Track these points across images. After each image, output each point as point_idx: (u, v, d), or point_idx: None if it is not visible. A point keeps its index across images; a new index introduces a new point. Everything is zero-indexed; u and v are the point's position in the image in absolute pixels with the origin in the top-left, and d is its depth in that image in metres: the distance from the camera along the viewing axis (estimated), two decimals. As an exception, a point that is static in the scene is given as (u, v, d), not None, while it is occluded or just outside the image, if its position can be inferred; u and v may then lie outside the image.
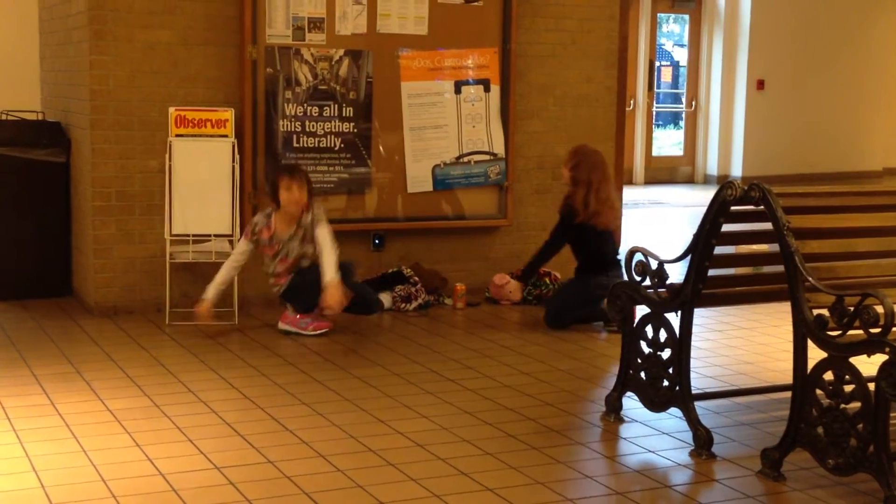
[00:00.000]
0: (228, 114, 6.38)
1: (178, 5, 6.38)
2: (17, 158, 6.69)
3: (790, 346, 3.94)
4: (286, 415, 4.61)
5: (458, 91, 7.02)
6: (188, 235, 6.30)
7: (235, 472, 3.94)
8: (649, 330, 4.50)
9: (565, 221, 6.34)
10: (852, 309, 3.63)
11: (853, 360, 3.70)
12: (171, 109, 6.32)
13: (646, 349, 4.53)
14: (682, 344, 4.35)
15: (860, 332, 3.63)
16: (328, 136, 6.70)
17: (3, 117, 6.92)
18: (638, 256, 4.47)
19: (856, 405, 3.67)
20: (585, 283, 6.32)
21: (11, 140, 6.71)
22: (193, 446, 4.21)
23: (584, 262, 6.41)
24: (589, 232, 6.29)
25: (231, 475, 3.91)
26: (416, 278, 6.77)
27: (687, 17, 15.38)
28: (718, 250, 4.24)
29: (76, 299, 6.79)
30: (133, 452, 4.13)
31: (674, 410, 4.46)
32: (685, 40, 15.56)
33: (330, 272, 5.83)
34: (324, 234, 5.92)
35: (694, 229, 4.26)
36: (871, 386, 3.60)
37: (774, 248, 3.98)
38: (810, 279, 3.79)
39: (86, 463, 4.01)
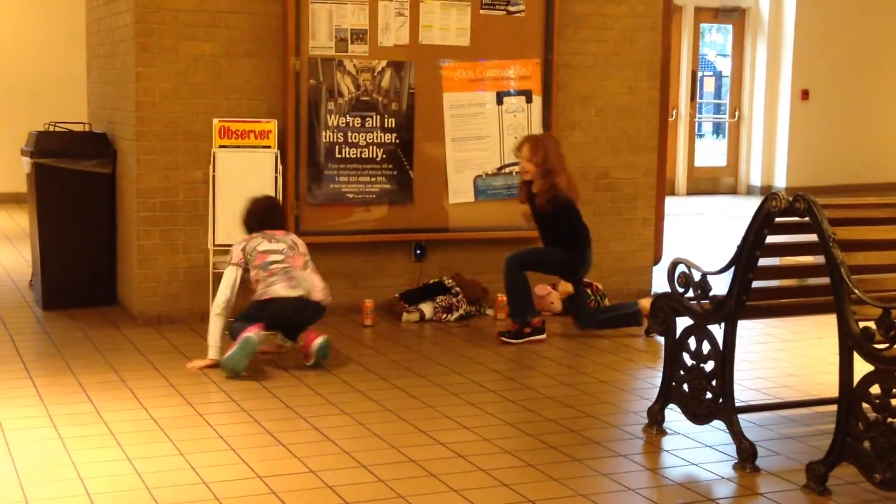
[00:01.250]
0: (271, 125, 6.43)
1: (222, 18, 6.44)
2: (64, 169, 6.77)
3: (835, 359, 3.90)
4: (328, 424, 4.63)
5: (499, 102, 7.02)
6: (231, 245, 6.33)
7: (278, 482, 3.96)
8: (692, 342, 4.47)
9: (573, 208, 6.24)
10: (899, 321, 3.58)
11: (900, 373, 3.66)
12: (215, 121, 6.37)
13: (689, 361, 4.50)
14: (725, 356, 4.31)
15: (907, 345, 3.58)
16: (370, 147, 6.72)
17: (51, 129, 7.02)
18: (681, 268, 4.44)
19: (903, 419, 3.63)
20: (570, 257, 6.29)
21: (58, 151, 6.80)
22: (236, 455, 4.23)
23: (568, 242, 6.27)
24: (578, 211, 6.31)
25: (273, 484, 3.93)
26: (458, 289, 6.77)
27: (730, 27, 15.29)
28: (763, 262, 4.20)
29: (121, 308, 6.87)
30: (177, 461, 4.16)
31: (717, 423, 4.42)
32: (728, 50, 15.47)
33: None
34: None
35: (737, 241, 4.22)
36: (919, 400, 3.56)
37: (820, 259, 3.94)
38: (856, 291, 3.75)
39: (130, 471, 4.05)
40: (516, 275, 6.22)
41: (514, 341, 6.12)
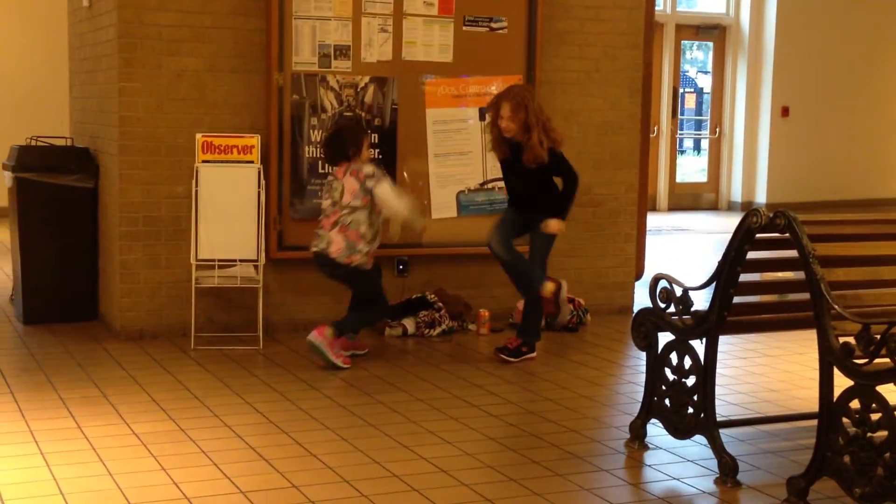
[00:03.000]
0: (254, 140, 6.43)
1: (205, 33, 6.45)
2: (46, 184, 6.76)
3: (816, 374, 3.93)
4: (311, 439, 4.63)
5: (482, 118, 7.04)
6: (214, 260, 6.34)
7: (260, 497, 3.95)
8: (674, 357, 4.49)
9: (562, 157, 6.06)
10: (879, 337, 3.61)
11: (880, 388, 3.68)
12: (198, 136, 6.38)
13: (670, 376, 4.52)
14: (706, 371, 4.34)
15: (887, 360, 3.60)
16: (353, 163, 6.73)
17: (33, 143, 7.00)
18: (662, 283, 4.47)
19: (883, 434, 3.64)
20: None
21: (40, 166, 6.79)
22: (218, 470, 4.23)
23: (551, 187, 6.13)
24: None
25: (256, 499, 3.92)
26: (441, 304, 6.78)
27: (711, 44, 15.40)
28: (743, 277, 4.24)
29: (103, 323, 6.84)
30: (158, 476, 4.15)
31: (698, 438, 4.44)
32: (709, 67, 15.57)
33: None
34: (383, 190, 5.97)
35: (719, 256, 4.25)
36: (898, 414, 3.58)
37: (800, 275, 3.97)
38: (836, 307, 3.78)
39: (112, 486, 4.03)
40: (511, 253, 6.10)
41: (511, 360, 6.07)
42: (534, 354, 6.15)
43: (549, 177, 6.11)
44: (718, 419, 4.41)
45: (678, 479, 4.28)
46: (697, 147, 16.16)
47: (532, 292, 6.14)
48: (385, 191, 5.93)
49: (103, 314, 6.90)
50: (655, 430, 4.65)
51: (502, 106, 5.97)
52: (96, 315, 6.95)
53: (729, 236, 4.19)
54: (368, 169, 5.95)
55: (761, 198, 15.04)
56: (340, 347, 5.88)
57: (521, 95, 5.98)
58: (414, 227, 6.37)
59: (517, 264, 6.14)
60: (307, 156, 6.64)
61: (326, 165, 6.46)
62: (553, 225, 6.03)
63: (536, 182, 6.08)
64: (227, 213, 6.37)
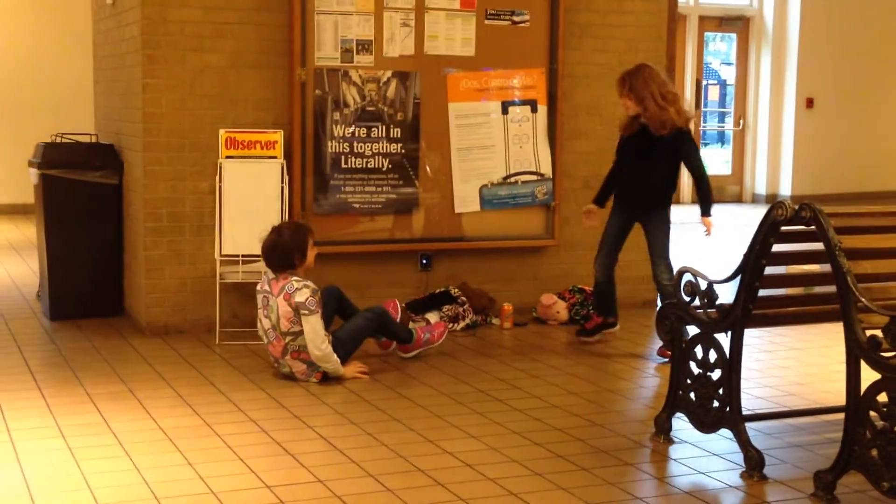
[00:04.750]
0: (278, 135, 6.45)
1: (228, 29, 6.47)
2: (71, 180, 6.80)
3: (842, 367, 3.91)
4: (335, 434, 4.64)
5: (504, 111, 7.04)
6: (238, 256, 6.37)
7: (285, 491, 3.96)
8: (699, 350, 4.48)
9: (687, 137, 6.02)
10: (906, 330, 3.59)
11: (907, 381, 3.66)
12: (222, 131, 6.40)
13: (695, 370, 4.50)
14: (732, 365, 4.32)
15: (914, 353, 3.59)
16: (376, 157, 6.74)
17: (58, 140, 7.04)
18: (687, 276, 4.45)
19: (910, 427, 3.63)
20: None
21: (65, 162, 6.83)
22: (244, 465, 4.24)
23: (671, 183, 6.18)
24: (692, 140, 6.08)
25: (281, 494, 3.94)
26: (464, 298, 6.78)
27: (734, 35, 15.31)
28: (769, 270, 4.21)
29: (128, 319, 6.88)
30: (185, 470, 4.18)
31: (724, 432, 4.42)
32: (732, 59, 15.48)
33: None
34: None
35: (744, 249, 4.23)
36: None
37: (826, 268, 3.95)
38: (863, 300, 3.76)
39: (139, 481, 4.06)
40: (609, 277, 6.33)
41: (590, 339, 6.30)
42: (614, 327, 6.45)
43: (675, 166, 6.13)
44: (744, 413, 4.39)
45: (704, 473, 4.27)
46: (721, 139, 16.09)
47: (604, 317, 6.43)
48: (310, 330, 5.36)
49: (129, 310, 6.94)
50: (681, 424, 4.64)
51: (617, 85, 6.07)
52: (122, 311, 6.99)
53: (754, 229, 4.17)
54: (301, 297, 5.37)
55: (786, 190, 14.95)
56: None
57: (631, 78, 6.01)
58: (333, 374, 5.52)
59: (611, 291, 6.38)
60: (330, 151, 6.65)
61: (350, 162, 6.46)
62: (708, 224, 6.20)
63: (661, 166, 6.06)
64: (250, 209, 6.39)
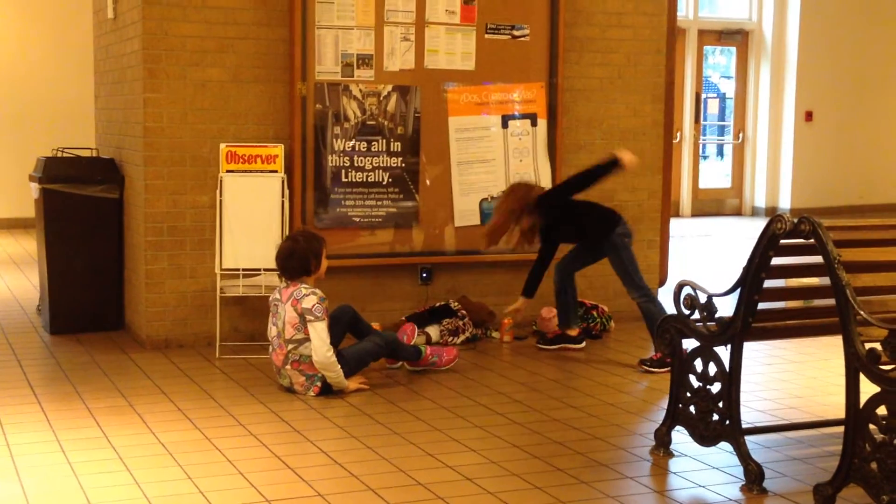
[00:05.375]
0: (278, 149, 6.47)
1: (229, 44, 6.50)
2: (72, 195, 6.81)
3: (842, 381, 3.91)
4: (335, 448, 4.64)
5: (505, 125, 7.06)
6: (238, 270, 6.38)
7: (286, 505, 3.97)
8: (699, 364, 4.48)
9: (545, 199, 6.33)
10: (905, 343, 3.59)
11: (907, 394, 3.66)
12: (222, 146, 6.41)
13: (695, 383, 4.51)
14: (731, 378, 4.32)
15: (914, 366, 3.59)
16: (376, 171, 6.76)
17: (59, 154, 7.06)
18: (687, 290, 4.46)
19: (910, 440, 3.63)
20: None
21: (66, 177, 6.84)
22: (244, 479, 4.24)
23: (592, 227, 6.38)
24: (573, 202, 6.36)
25: (281, 508, 3.94)
26: (464, 312, 6.79)
27: (734, 49, 15.35)
28: (768, 284, 4.22)
29: (128, 333, 6.89)
30: (185, 485, 4.18)
31: (724, 445, 4.42)
32: (732, 72, 15.52)
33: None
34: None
35: (743, 262, 4.24)
36: (926, 421, 3.56)
37: (825, 281, 3.96)
38: (862, 313, 3.76)
39: (139, 495, 4.06)
40: (565, 281, 6.45)
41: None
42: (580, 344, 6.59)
43: (572, 213, 6.35)
44: (744, 426, 4.39)
45: (704, 487, 4.27)
46: (721, 152, 16.11)
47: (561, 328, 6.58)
48: (316, 336, 5.40)
49: (129, 324, 6.94)
50: (680, 438, 4.64)
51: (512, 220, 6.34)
52: (122, 325, 7.00)
53: (753, 242, 4.18)
54: (308, 303, 5.41)
55: (785, 203, 14.97)
56: None
57: (504, 204, 6.35)
58: (335, 385, 5.52)
59: (564, 300, 6.48)
60: (331, 164, 6.67)
61: (350, 176, 6.47)
62: (627, 156, 6.23)
63: (563, 230, 6.39)
64: (251, 223, 6.40)
